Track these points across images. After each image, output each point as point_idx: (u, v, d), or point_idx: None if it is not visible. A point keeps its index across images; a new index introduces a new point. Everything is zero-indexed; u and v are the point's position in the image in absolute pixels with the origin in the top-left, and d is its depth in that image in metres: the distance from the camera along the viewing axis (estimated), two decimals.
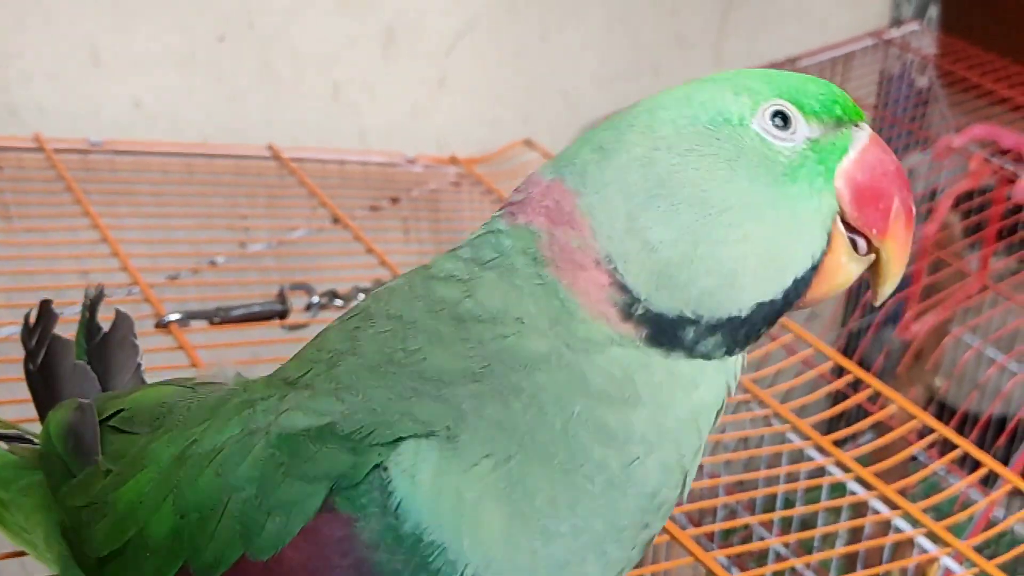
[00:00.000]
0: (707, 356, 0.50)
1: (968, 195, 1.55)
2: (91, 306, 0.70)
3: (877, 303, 0.54)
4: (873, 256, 0.52)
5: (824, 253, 0.50)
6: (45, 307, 0.70)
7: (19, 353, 0.89)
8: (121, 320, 0.70)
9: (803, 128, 0.51)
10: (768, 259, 0.49)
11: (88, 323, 0.69)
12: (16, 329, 0.93)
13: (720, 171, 0.50)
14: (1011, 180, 1.48)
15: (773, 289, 0.50)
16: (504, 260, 0.51)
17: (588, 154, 0.52)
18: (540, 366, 0.49)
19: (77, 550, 0.57)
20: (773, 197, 0.50)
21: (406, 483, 0.47)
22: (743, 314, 0.50)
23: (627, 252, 0.49)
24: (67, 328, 0.97)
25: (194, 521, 0.50)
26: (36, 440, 0.66)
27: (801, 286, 0.50)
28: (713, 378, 0.51)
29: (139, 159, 1.17)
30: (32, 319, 0.69)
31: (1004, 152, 1.54)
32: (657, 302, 0.49)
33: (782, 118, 0.51)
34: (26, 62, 1.14)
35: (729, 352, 0.51)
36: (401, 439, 0.48)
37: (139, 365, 0.69)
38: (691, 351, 0.50)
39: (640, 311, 0.49)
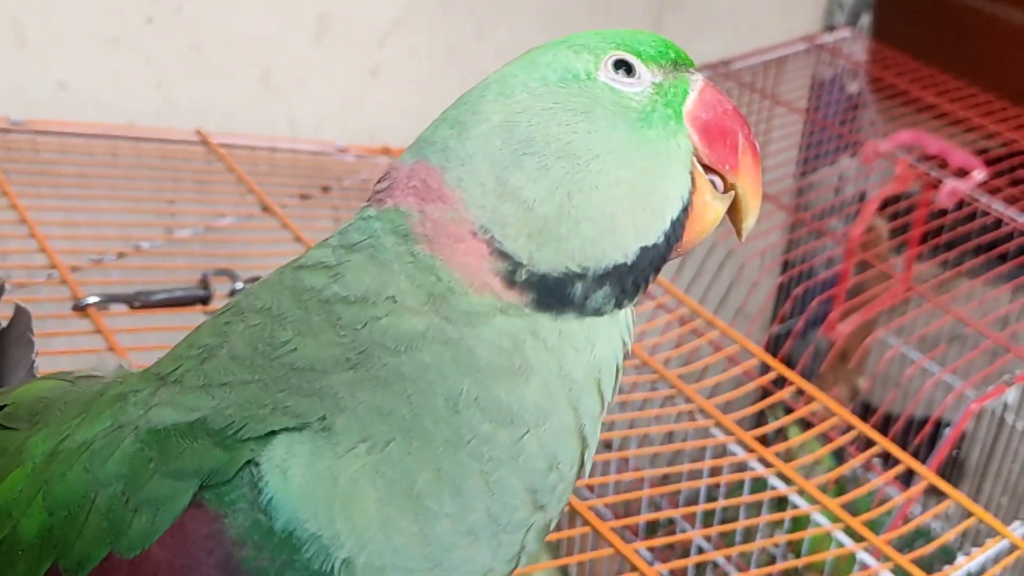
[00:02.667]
0: (598, 312, 0.51)
1: (895, 199, 1.58)
2: None
3: (742, 239, 0.56)
4: (732, 194, 0.53)
5: (691, 193, 0.52)
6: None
7: None
8: (20, 315, 0.68)
9: (646, 74, 0.53)
10: (643, 201, 0.51)
11: None
12: None
13: (580, 123, 0.51)
14: (935, 185, 1.51)
15: (654, 231, 0.51)
16: (373, 241, 0.50)
17: (446, 130, 0.52)
18: (418, 345, 0.48)
19: None
20: (635, 141, 0.51)
21: (278, 478, 0.47)
22: (629, 260, 0.51)
23: (503, 217, 0.50)
24: None
25: (62, 518, 0.49)
26: None
27: (678, 228, 0.51)
28: (608, 335, 0.51)
29: (62, 140, 1.15)
30: None
31: (929, 158, 1.57)
32: (540, 262, 0.50)
33: (625, 67, 0.52)
34: None
35: (619, 305, 0.51)
36: (273, 433, 0.47)
37: (33, 362, 0.67)
38: (581, 309, 0.50)
39: (524, 276, 0.50)
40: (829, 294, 1.49)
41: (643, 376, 1.07)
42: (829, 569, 0.98)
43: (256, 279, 0.98)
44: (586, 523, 0.87)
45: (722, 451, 1.01)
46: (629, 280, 0.51)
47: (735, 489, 1.02)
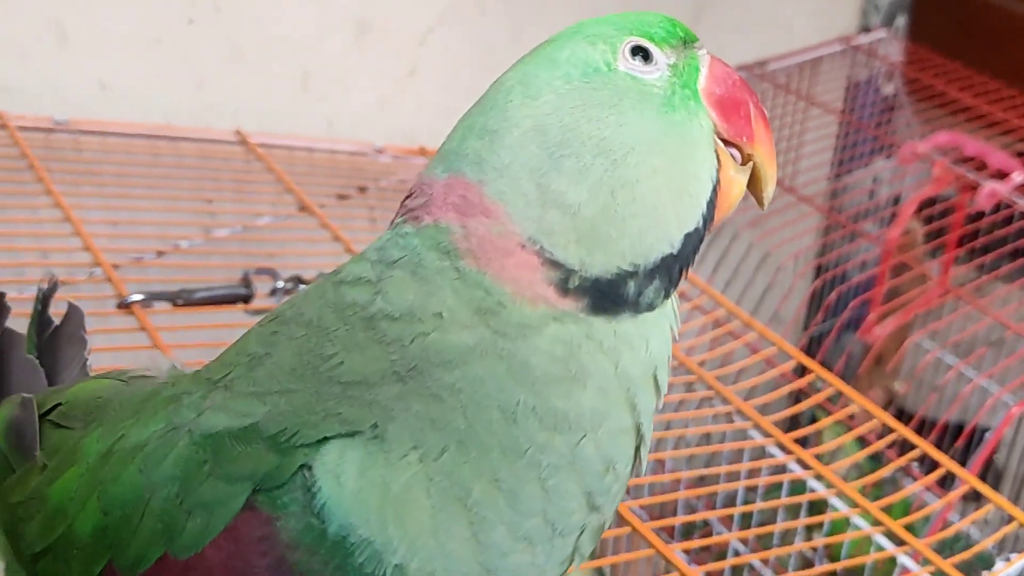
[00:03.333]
0: (651, 307, 0.51)
1: (931, 201, 1.57)
2: (44, 299, 0.69)
3: (764, 208, 0.55)
4: (751, 164, 0.53)
5: (718, 171, 0.52)
6: (54, 288, 0.69)
7: None
8: (72, 314, 0.68)
9: (661, 57, 0.52)
10: (681, 187, 0.50)
11: (40, 316, 0.68)
12: None
13: (611, 117, 0.50)
14: (973, 187, 1.50)
15: (694, 216, 0.51)
16: (413, 257, 0.50)
17: (476, 142, 0.51)
18: (470, 359, 0.48)
19: (15, 546, 0.56)
20: (664, 128, 0.51)
21: (331, 483, 0.47)
22: (675, 249, 0.50)
23: (550, 225, 0.49)
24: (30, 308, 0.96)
25: (117, 518, 0.50)
26: None
27: (711, 208, 0.51)
28: (660, 328, 0.52)
29: (104, 140, 1.16)
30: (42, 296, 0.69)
31: (967, 160, 1.56)
32: (592, 266, 0.49)
33: (643, 54, 0.52)
34: None
35: (667, 295, 0.51)
36: (326, 439, 0.47)
37: (86, 360, 0.67)
38: (635, 307, 0.50)
39: (577, 282, 0.49)
40: (865, 297, 1.48)
41: (680, 378, 1.07)
42: (869, 573, 0.97)
43: (297, 278, 0.99)
44: (625, 523, 0.87)
45: (760, 453, 1.01)
46: (676, 269, 0.51)
47: (773, 491, 1.01)
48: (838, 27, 1.88)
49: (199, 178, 1.18)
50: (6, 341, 0.66)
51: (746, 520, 1.06)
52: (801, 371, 1.10)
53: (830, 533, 0.96)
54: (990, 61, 1.84)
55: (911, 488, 1.01)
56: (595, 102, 0.50)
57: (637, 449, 0.52)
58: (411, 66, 1.43)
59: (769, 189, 0.54)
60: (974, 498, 0.97)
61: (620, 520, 0.88)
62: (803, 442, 1.03)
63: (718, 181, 0.51)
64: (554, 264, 0.49)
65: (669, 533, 1.17)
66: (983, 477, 1.48)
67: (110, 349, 0.84)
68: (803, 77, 1.76)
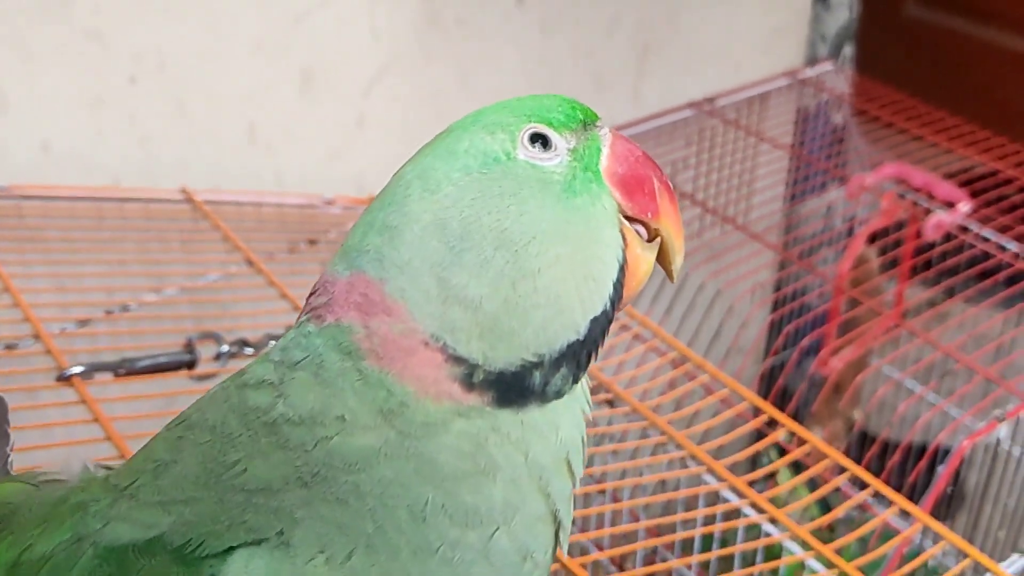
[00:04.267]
0: (559, 394, 0.50)
1: (884, 232, 1.58)
2: None
3: (674, 281, 0.56)
4: (658, 240, 0.54)
5: (624, 250, 0.52)
6: None
7: None
8: None
9: (561, 142, 0.52)
10: (585, 273, 0.50)
11: None
12: None
13: (511, 207, 0.50)
14: (922, 217, 1.51)
15: (599, 300, 0.51)
16: (315, 359, 0.49)
17: (376, 238, 0.50)
18: (375, 461, 0.47)
19: None
20: (565, 214, 0.50)
21: None
22: (582, 335, 0.50)
23: (452, 322, 0.48)
24: None
25: None
26: None
27: (619, 288, 0.51)
28: (570, 413, 0.51)
29: (47, 204, 1.15)
30: None
31: (916, 190, 1.58)
32: (495, 360, 0.49)
33: (542, 141, 0.52)
34: None
35: (575, 380, 0.51)
36: (232, 548, 0.46)
37: (8, 456, 0.65)
38: (543, 396, 0.50)
39: (481, 376, 0.49)
40: (820, 330, 1.49)
41: (634, 424, 1.07)
42: None
43: (242, 341, 0.98)
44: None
45: (715, 497, 1.01)
46: (583, 354, 0.51)
47: (729, 536, 1.01)
48: (786, 61, 1.90)
49: (145, 240, 1.17)
50: None
51: (705, 567, 1.05)
52: (756, 411, 1.10)
53: None
54: (937, 88, 1.87)
55: (867, 526, 1.02)
56: (495, 193, 0.50)
57: (556, 534, 0.51)
58: (358, 116, 1.43)
59: (677, 261, 0.55)
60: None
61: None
62: (761, 483, 1.03)
63: (625, 260, 0.52)
64: (458, 360, 0.49)
65: None
66: (943, 502, 1.48)
67: (50, 425, 0.83)
68: (752, 112, 1.78)
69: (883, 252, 1.61)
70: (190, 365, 0.94)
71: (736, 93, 1.76)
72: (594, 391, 1.12)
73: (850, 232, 1.74)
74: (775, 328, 1.64)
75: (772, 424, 1.12)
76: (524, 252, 0.49)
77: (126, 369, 0.90)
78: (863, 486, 1.02)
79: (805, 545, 0.94)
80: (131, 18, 1.22)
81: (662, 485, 1.07)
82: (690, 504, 1.03)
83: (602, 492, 1.12)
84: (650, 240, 0.53)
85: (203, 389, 0.96)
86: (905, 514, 1.03)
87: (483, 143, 0.51)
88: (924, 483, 1.36)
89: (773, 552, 0.97)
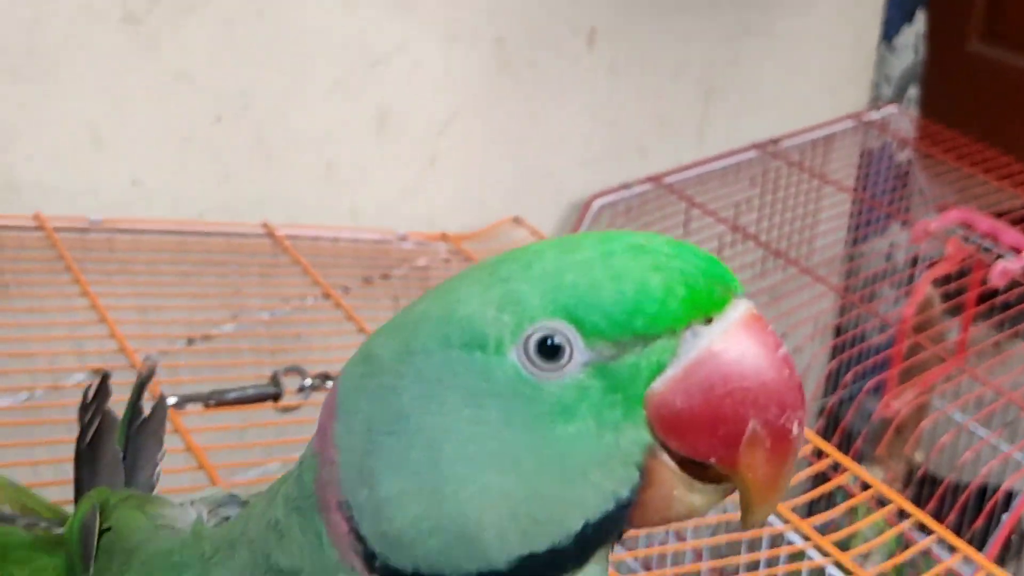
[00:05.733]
0: None
1: (947, 278, 1.59)
2: (140, 386, 0.65)
3: (746, 528, 0.42)
4: (726, 485, 0.41)
5: (640, 488, 0.39)
6: (104, 382, 0.65)
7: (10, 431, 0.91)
8: (158, 409, 0.65)
9: (580, 354, 0.39)
10: (525, 512, 0.39)
11: (133, 406, 0.64)
12: (10, 401, 0.95)
13: (465, 410, 0.40)
14: (987, 264, 1.52)
15: (545, 539, 0.40)
16: (296, 492, 0.44)
17: (357, 364, 0.43)
18: None
19: None
20: (532, 441, 0.39)
21: None
22: (504, 567, 0.40)
23: (359, 498, 0.41)
24: (69, 395, 0.99)
25: None
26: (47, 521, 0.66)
27: (609, 523, 0.40)
28: None
29: (136, 237, 1.20)
30: (91, 394, 0.65)
31: (981, 235, 1.58)
32: (389, 556, 0.41)
33: (551, 348, 0.39)
34: (28, 143, 1.17)
35: None
36: None
37: (158, 463, 0.65)
38: None
39: (380, 564, 0.41)
40: (883, 376, 1.50)
41: None
42: None
43: (324, 375, 1.02)
44: None
45: (779, 539, 1.02)
46: None
47: None
48: (850, 103, 1.92)
49: (227, 273, 1.22)
50: (105, 425, 0.63)
51: None
52: (819, 454, 1.12)
53: None
54: (1002, 131, 1.87)
55: (929, 574, 1.02)
56: (459, 383, 0.40)
57: None
58: (431, 155, 1.48)
59: (753, 515, 0.41)
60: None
61: None
62: (823, 527, 1.04)
63: (639, 498, 0.40)
64: (359, 537, 0.42)
65: None
66: (1008, 547, 1.48)
67: None
68: (816, 154, 1.79)
69: (947, 297, 1.61)
70: (275, 397, 0.97)
71: (800, 135, 1.78)
72: None
73: (911, 278, 1.75)
74: (836, 371, 1.65)
75: (836, 468, 1.13)
76: (452, 467, 0.40)
77: (216, 400, 0.94)
78: (925, 530, 1.03)
79: None
80: (217, 60, 1.27)
81: (725, 526, 1.09)
82: (753, 545, 1.05)
83: (665, 531, 1.14)
84: (711, 481, 0.40)
85: (287, 420, 1.00)
86: (968, 560, 1.04)
87: (482, 317, 0.40)
88: (984, 529, 1.36)
89: None
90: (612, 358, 0.39)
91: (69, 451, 0.65)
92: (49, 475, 1.03)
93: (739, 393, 0.39)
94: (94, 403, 0.65)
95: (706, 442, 0.39)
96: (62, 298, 1.07)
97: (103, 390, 0.66)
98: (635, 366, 0.39)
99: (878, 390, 1.57)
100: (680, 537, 1.12)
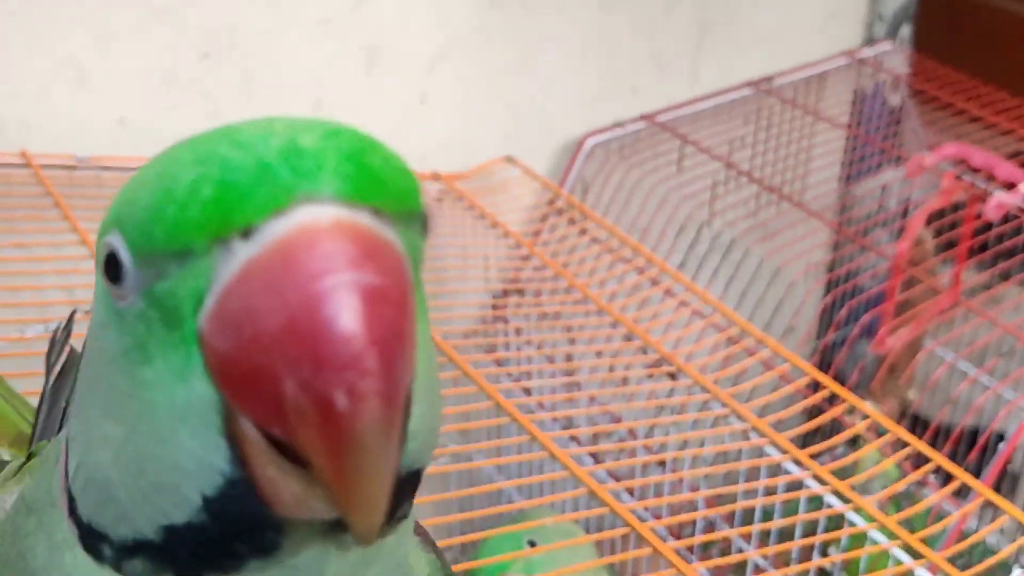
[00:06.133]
0: None
1: (940, 213, 1.58)
2: (64, 331, 0.60)
3: (355, 537, 0.31)
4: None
5: (240, 462, 0.31)
6: (70, 320, 0.60)
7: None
8: (73, 358, 0.59)
9: (131, 276, 0.32)
10: (140, 471, 0.33)
11: (58, 351, 0.60)
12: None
13: (91, 343, 0.36)
14: (982, 198, 1.51)
15: (176, 511, 0.33)
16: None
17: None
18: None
19: None
20: (126, 385, 0.33)
21: None
22: (152, 537, 0.34)
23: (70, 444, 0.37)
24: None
25: None
26: None
27: (236, 504, 0.32)
28: None
29: (124, 175, 1.18)
30: (59, 331, 0.60)
31: (975, 171, 1.57)
32: (82, 514, 0.36)
33: (111, 264, 0.33)
34: (11, 80, 1.15)
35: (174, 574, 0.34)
36: None
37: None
38: (119, 569, 0.35)
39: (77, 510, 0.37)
40: (877, 311, 1.49)
41: (695, 396, 1.09)
42: None
43: None
44: (645, 544, 0.89)
45: (776, 470, 1.02)
46: (181, 555, 0.33)
47: (790, 507, 1.03)
48: (843, 41, 1.90)
49: None
50: (69, 364, 0.58)
51: (765, 537, 1.07)
52: (815, 386, 1.12)
53: (848, 548, 0.97)
54: (996, 69, 1.85)
55: (928, 500, 1.03)
56: (94, 319, 0.36)
57: None
58: (421, 93, 1.46)
59: (353, 518, 0.30)
60: (992, 506, 0.99)
61: (641, 541, 0.89)
62: (818, 457, 1.04)
63: (253, 474, 0.31)
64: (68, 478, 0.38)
65: (689, 551, 1.19)
66: (1001, 484, 1.49)
67: None
68: (809, 92, 1.78)
69: (939, 233, 1.61)
70: None
71: (794, 73, 1.76)
72: (656, 364, 1.13)
73: (905, 213, 1.74)
74: (830, 308, 1.65)
75: (832, 400, 1.13)
76: (83, 413, 0.36)
77: None
78: (920, 463, 1.03)
79: (868, 517, 0.95)
80: None
81: (723, 457, 1.09)
82: (751, 476, 1.05)
83: (661, 464, 1.14)
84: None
85: None
86: (963, 493, 1.05)
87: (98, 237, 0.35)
88: (976, 468, 1.37)
89: (835, 523, 0.99)
90: (153, 280, 0.32)
91: None
92: None
93: (265, 338, 0.29)
94: (61, 342, 0.61)
95: (252, 403, 0.30)
96: (49, 234, 1.06)
97: (69, 328, 0.61)
98: (172, 292, 0.31)
99: (870, 332, 1.57)
100: (676, 470, 1.12)
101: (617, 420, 1.20)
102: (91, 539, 0.36)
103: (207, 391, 0.31)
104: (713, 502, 1.09)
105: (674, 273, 1.25)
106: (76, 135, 1.20)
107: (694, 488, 1.11)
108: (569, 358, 1.30)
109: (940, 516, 1.14)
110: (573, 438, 1.25)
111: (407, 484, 0.34)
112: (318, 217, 0.29)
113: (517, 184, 1.48)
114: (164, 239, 0.31)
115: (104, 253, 0.33)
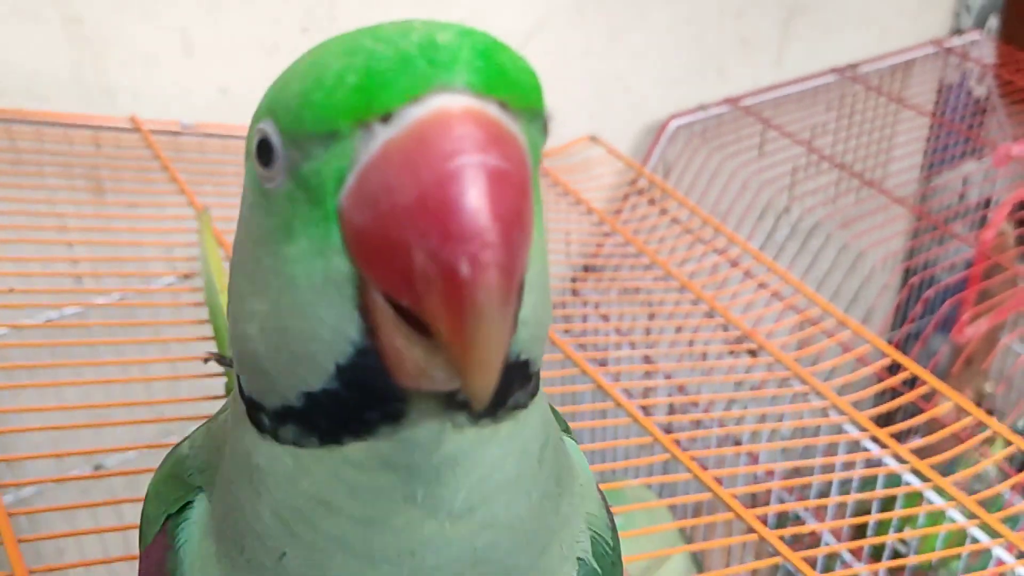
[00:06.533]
0: (298, 444, 0.38)
1: (1021, 205, 1.58)
2: None
3: (471, 397, 0.32)
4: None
5: (371, 334, 0.34)
6: None
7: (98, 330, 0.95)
8: None
9: (281, 157, 0.35)
10: (283, 342, 0.36)
11: None
12: (102, 301, 0.99)
13: (241, 227, 0.39)
14: None
15: (313, 379, 0.36)
16: None
17: None
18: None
19: None
20: (273, 262, 0.36)
21: (187, 528, 0.46)
22: (294, 403, 0.37)
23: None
24: (157, 297, 1.03)
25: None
26: None
27: (365, 373, 0.35)
28: (318, 470, 0.38)
29: (225, 142, 1.23)
30: None
31: None
32: (243, 381, 0.41)
33: (264, 148, 0.35)
34: (122, 48, 1.20)
35: (332, 440, 0.37)
36: (200, 489, 0.46)
37: None
38: (276, 438, 0.39)
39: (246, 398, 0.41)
40: (957, 298, 1.49)
41: (774, 373, 1.10)
42: (963, 566, 1.00)
43: None
44: (726, 509, 0.91)
45: (854, 447, 1.04)
46: (320, 421, 0.37)
47: (867, 485, 1.04)
48: (930, 30, 1.89)
49: None
50: None
51: (840, 512, 1.09)
52: (893, 369, 1.13)
53: (924, 527, 0.98)
54: None
55: (1007, 483, 1.03)
56: (244, 201, 0.39)
57: None
58: None
59: (465, 377, 0.32)
60: None
61: (721, 506, 0.91)
62: (897, 438, 1.05)
63: (382, 345, 0.34)
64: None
65: (763, 522, 1.21)
66: None
67: None
68: (895, 79, 1.77)
69: (1021, 224, 1.60)
70: None
71: (880, 60, 1.76)
72: (737, 341, 1.15)
73: (987, 203, 1.73)
74: (906, 301, 1.65)
75: (908, 384, 1.14)
76: (236, 289, 0.39)
77: None
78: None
79: (947, 496, 0.96)
80: None
81: (800, 432, 1.10)
82: (829, 452, 1.06)
83: (737, 441, 1.16)
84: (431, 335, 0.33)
85: None
86: None
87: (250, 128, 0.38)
88: None
89: (912, 503, 1.00)
90: (300, 161, 0.34)
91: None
92: (136, 372, 1.08)
93: (399, 212, 0.31)
94: None
95: (385, 274, 0.32)
96: (156, 195, 1.11)
97: None
98: (317, 172, 0.34)
99: (945, 326, 1.56)
100: (753, 443, 1.14)
101: (695, 395, 1.22)
102: (253, 411, 0.40)
103: (344, 265, 0.34)
104: (789, 477, 1.11)
105: (755, 253, 1.27)
106: (179, 103, 1.25)
107: (770, 462, 1.13)
108: (647, 333, 1.32)
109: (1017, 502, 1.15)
110: (647, 411, 1.28)
111: (518, 371, 0.37)
112: (451, 104, 0.32)
113: (600, 163, 1.50)
114: (312, 122, 0.33)
115: (257, 139, 0.36)
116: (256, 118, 0.37)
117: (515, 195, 0.31)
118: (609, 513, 0.50)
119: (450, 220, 0.30)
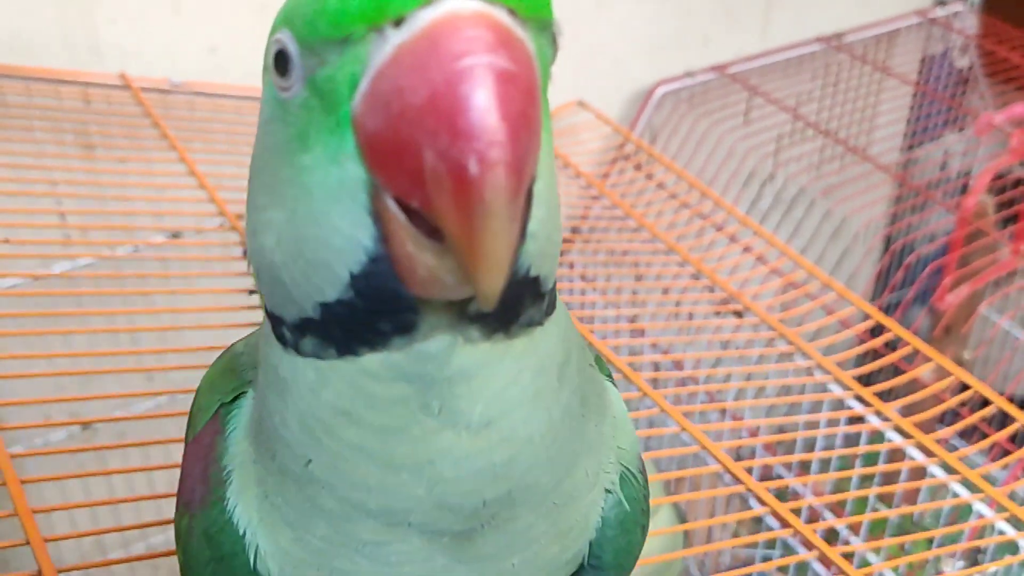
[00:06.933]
0: (318, 356, 0.40)
1: (1001, 174, 1.59)
2: None
3: (483, 306, 0.34)
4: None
5: (383, 239, 0.35)
6: None
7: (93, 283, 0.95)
8: None
9: (297, 65, 0.36)
10: (298, 252, 0.38)
11: None
12: (92, 260, 0.99)
13: (259, 141, 0.41)
14: None
15: (328, 288, 0.37)
16: None
17: None
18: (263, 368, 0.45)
19: None
20: (289, 173, 0.37)
21: (238, 416, 0.48)
22: (311, 314, 0.39)
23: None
24: (159, 251, 1.03)
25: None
26: None
27: (377, 280, 0.36)
28: (338, 381, 0.39)
29: (215, 100, 1.23)
30: None
31: None
32: (264, 295, 0.42)
33: (280, 58, 0.37)
34: (111, 6, 1.19)
35: (349, 352, 0.39)
36: (251, 384, 0.48)
37: None
38: (297, 350, 0.40)
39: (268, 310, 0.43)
40: (937, 264, 1.51)
41: (761, 333, 1.12)
42: (944, 519, 1.02)
43: None
44: (713, 461, 0.93)
45: (838, 406, 1.05)
46: (336, 331, 0.38)
47: (851, 442, 1.06)
48: (914, 0, 1.90)
49: None
50: None
51: (824, 468, 1.10)
52: (876, 331, 1.14)
53: (906, 481, 1.00)
54: None
55: (987, 441, 1.05)
56: (262, 113, 0.40)
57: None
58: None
59: (474, 278, 0.33)
60: None
61: (709, 458, 0.93)
62: (880, 397, 1.07)
63: (393, 252, 0.35)
64: None
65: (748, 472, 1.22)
66: None
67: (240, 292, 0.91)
68: (879, 49, 1.79)
69: (1001, 192, 1.62)
70: None
71: (864, 30, 1.77)
72: (723, 302, 1.17)
73: (968, 173, 1.75)
74: (887, 269, 1.67)
75: (893, 345, 1.16)
76: (253, 200, 0.40)
77: None
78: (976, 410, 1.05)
79: (928, 452, 0.98)
80: None
81: (786, 391, 1.12)
82: (813, 410, 1.08)
83: (723, 402, 1.17)
84: (435, 237, 0.34)
85: None
86: (1021, 438, 1.07)
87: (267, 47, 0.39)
88: None
89: (895, 459, 1.02)
90: (315, 68, 0.35)
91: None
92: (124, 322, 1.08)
93: (410, 113, 0.32)
94: None
95: (396, 176, 0.34)
96: (146, 151, 1.11)
97: None
98: (332, 78, 0.35)
99: (924, 298, 1.58)
100: (741, 397, 1.15)
101: (680, 356, 1.23)
102: (276, 326, 0.41)
103: (357, 171, 0.35)
104: (774, 434, 1.13)
105: (741, 217, 1.28)
106: (168, 61, 1.25)
107: (756, 419, 1.14)
108: (634, 294, 1.34)
109: (998, 459, 1.17)
110: (635, 368, 1.29)
111: (528, 286, 0.38)
112: (461, 8, 0.32)
113: (587, 128, 1.51)
114: (328, 28, 0.34)
115: (274, 50, 0.37)
116: (273, 30, 0.38)
117: (523, 97, 0.32)
118: (641, 460, 0.51)
119: (459, 119, 0.31)
